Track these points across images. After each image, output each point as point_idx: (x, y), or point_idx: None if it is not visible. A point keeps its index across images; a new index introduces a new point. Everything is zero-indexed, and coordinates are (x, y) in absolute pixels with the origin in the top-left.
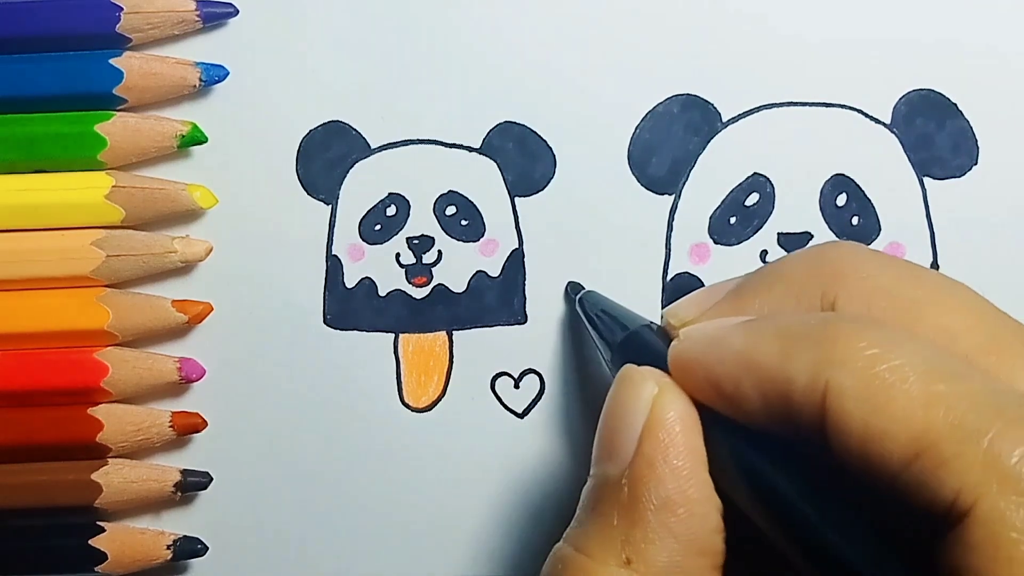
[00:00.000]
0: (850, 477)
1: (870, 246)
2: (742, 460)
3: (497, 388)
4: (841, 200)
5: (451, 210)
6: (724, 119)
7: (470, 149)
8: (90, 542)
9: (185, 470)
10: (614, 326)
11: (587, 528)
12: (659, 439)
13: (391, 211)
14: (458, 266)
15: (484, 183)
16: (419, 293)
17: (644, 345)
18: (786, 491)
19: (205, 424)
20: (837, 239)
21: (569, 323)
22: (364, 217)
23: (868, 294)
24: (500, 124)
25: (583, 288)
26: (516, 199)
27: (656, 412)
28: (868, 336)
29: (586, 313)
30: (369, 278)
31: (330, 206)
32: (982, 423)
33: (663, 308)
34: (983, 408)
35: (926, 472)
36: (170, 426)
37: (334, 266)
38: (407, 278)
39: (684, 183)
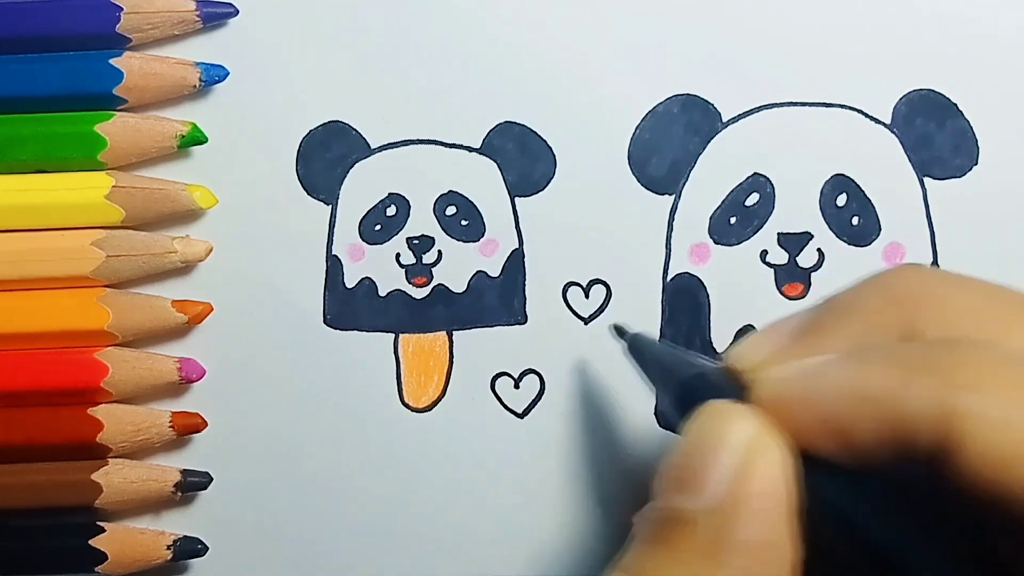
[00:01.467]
0: (963, 514)
1: (870, 246)
2: (838, 505)
3: (497, 388)
4: (841, 200)
5: (451, 210)
6: (724, 119)
7: (470, 149)
8: (90, 542)
9: (185, 470)
10: (675, 367)
11: (652, 561)
12: (756, 482)
13: (391, 211)
14: (458, 266)
15: (484, 183)
16: (419, 293)
17: (715, 388)
18: (890, 539)
19: (205, 424)
20: (910, 264)
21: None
22: (364, 217)
23: (952, 318)
24: (500, 124)
25: (627, 330)
26: (516, 199)
27: (755, 453)
28: (992, 358)
29: (639, 355)
30: (369, 278)
31: (330, 206)
32: None
33: (663, 303)
34: None
35: None
36: (170, 426)
37: (334, 266)
38: (407, 278)
39: (684, 183)
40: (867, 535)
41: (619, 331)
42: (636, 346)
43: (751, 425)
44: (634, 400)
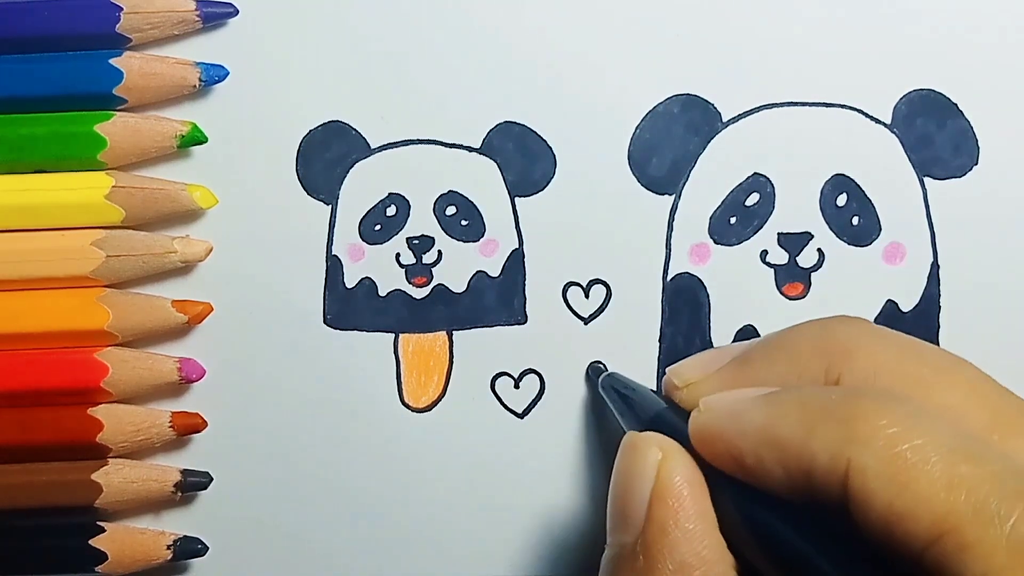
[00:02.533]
0: (870, 547)
1: (870, 246)
2: (756, 523)
3: (497, 388)
4: (841, 200)
5: (451, 210)
6: (724, 119)
7: (470, 149)
8: (90, 542)
9: (185, 470)
10: (643, 406)
11: None
12: (668, 504)
13: (391, 211)
14: (458, 266)
15: (484, 183)
16: (419, 293)
17: (673, 425)
18: (802, 551)
19: (205, 424)
20: (847, 317)
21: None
22: (364, 217)
23: (872, 371)
24: (500, 124)
25: (605, 368)
26: (516, 199)
27: (663, 477)
28: (890, 414)
29: (610, 395)
30: (369, 278)
31: (330, 206)
32: (1005, 506)
33: (663, 303)
34: (1006, 491)
35: (949, 555)
36: (170, 426)
37: (334, 266)
38: (407, 278)
39: (684, 183)
40: (785, 551)
41: (595, 371)
42: (608, 386)
43: (657, 450)
44: None
